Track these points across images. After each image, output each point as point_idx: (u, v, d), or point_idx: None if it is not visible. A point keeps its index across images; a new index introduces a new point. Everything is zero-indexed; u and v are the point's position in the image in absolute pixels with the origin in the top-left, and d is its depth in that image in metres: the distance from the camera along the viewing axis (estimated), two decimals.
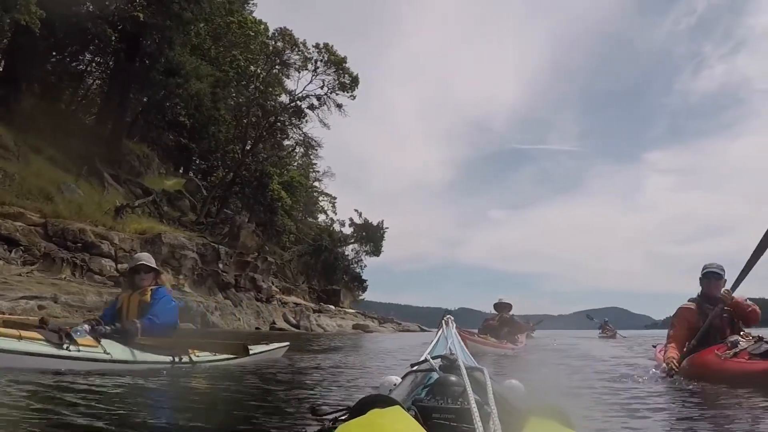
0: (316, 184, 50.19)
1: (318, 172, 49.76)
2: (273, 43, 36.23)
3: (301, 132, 40.61)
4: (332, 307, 37.68)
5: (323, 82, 38.09)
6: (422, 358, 2.76)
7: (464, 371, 1.94)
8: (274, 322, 25.41)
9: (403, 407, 1.56)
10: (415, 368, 2.61)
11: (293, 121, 39.59)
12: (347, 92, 38.26)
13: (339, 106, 38.74)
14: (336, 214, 51.41)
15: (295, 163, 47.35)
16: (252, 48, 34.17)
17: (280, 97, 38.07)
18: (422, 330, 45.62)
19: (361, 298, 54.42)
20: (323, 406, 1.92)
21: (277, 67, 36.78)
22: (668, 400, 4.22)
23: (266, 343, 8.11)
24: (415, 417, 1.70)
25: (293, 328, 26.08)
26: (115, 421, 2.91)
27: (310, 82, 38.07)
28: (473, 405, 1.48)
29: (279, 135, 40.35)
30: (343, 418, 1.77)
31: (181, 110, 32.97)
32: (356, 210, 49.62)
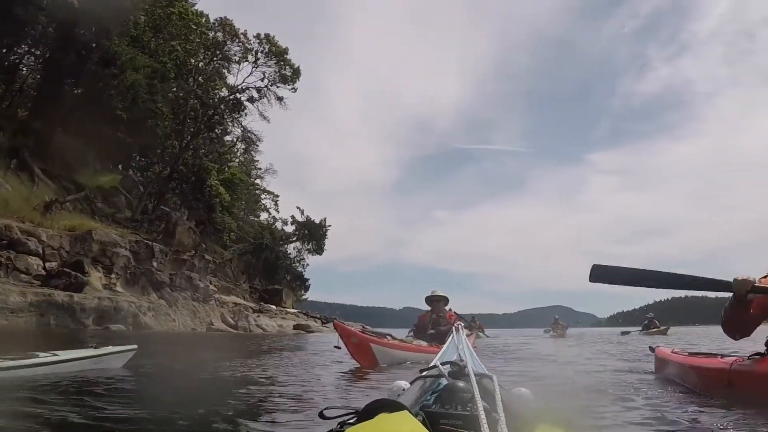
0: (258, 181, 49.18)
1: (260, 169, 48.82)
2: (213, 33, 35.24)
3: (240, 126, 39.67)
4: (273, 307, 37.05)
5: (264, 74, 37.35)
6: (432, 364, 2.79)
7: (473, 378, 1.97)
8: (211, 323, 24.80)
9: (411, 412, 1.56)
10: (424, 374, 2.61)
11: (232, 115, 38.63)
12: (288, 84, 37.58)
13: (280, 99, 38.05)
14: (278, 212, 50.40)
15: (237, 160, 46.33)
16: (191, 39, 33.11)
17: (221, 91, 37.16)
18: (365, 329, 45.54)
19: (304, 297, 53.72)
20: (331, 408, 1.89)
21: (217, 60, 35.89)
22: (671, 405, 4.08)
23: (93, 346, 6.55)
24: (423, 423, 1.67)
25: (231, 329, 25.52)
26: None
27: (250, 74, 37.28)
28: (481, 412, 1.49)
29: (218, 129, 39.19)
30: (351, 421, 1.76)
31: (118, 103, 31.81)
32: (298, 207, 48.78)
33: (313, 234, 45.35)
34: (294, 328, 30.60)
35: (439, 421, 1.82)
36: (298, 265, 48.07)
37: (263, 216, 51.37)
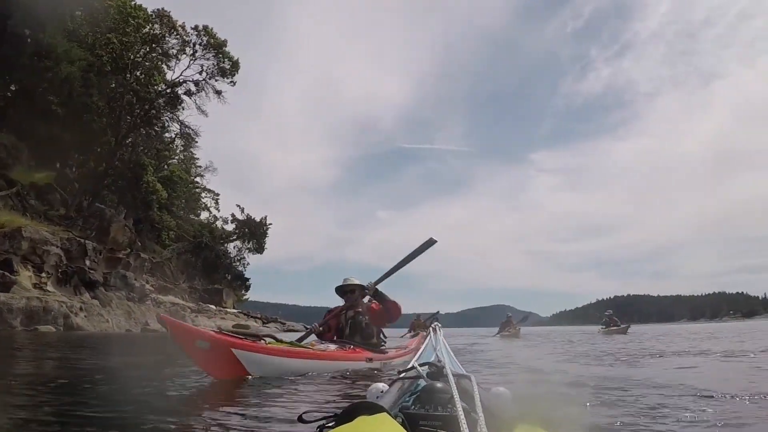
0: (198, 179, 48.32)
1: (200, 167, 47.98)
2: (150, 27, 34.22)
3: (177, 120, 38.70)
4: (213, 307, 36.59)
5: (202, 67, 36.62)
6: (410, 365, 2.72)
7: (451, 378, 1.96)
8: (147, 324, 24.32)
9: (390, 414, 1.56)
10: (402, 375, 2.57)
11: (169, 109, 37.64)
12: (227, 78, 36.93)
13: (218, 92, 37.40)
14: (219, 211, 49.72)
15: (176, 158, 45.43)
16: (128, 31, 32.23)
17: (158, 85, 36.09)
18: (306, 329, 45.31)
19: (245, 297, 53.14)
20: (310, 412, 1.90)
21: (156, 55, 35.12)
22: (650, 405, 3.96)
23: None
24: (402, 424, 1.69)
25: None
26: None
27: (188, 66, 36.51)
28: (460, 412, 1.49)
29: (157, 125, 38.28)
30: (330, 425, 1.75)
31: (53, 98, 30.86)
32: (238, 206, 48.16)
33: (253, 233, 44.85)
34: (233, 328, 30.29)
35: (419, 422, 1.84)
36: (238, 264, 47.50)
37: (204, 215, 50.66)
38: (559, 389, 5.08)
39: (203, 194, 49.55)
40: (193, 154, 46.62)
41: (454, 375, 2.08)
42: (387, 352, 7.89)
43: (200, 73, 36.50)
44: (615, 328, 27.85)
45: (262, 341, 5.90)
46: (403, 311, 18.01)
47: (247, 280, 49.57)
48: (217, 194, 49.37)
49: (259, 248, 45.57)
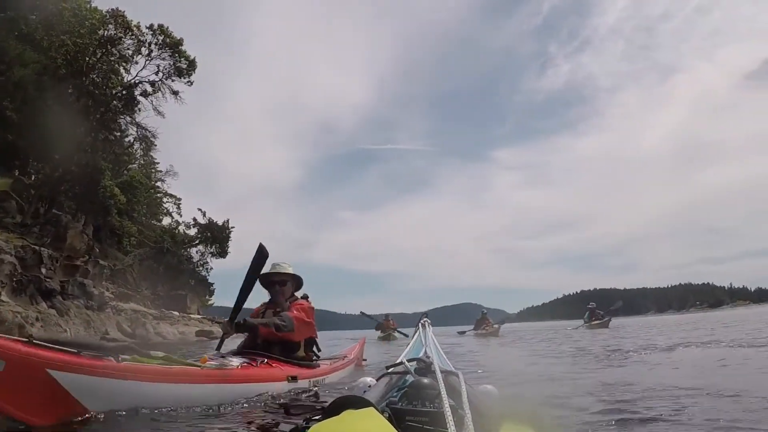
0: (159, 184, 47.42)
1: (160, 171, 47.09)
2: (104, 31, 33.21)
3: (135, 123, 37.85)
4: (176, 313, 36.00)
5: (158, 68, 35.68)
6: (398, 361, 2.85)
7: (439, 375, 2.00)
8: (107, 332, 23.77)
9: (377, 409, 1.58)
10: (390, 370, 2.65)
11: (126, 112, 36.66)
12: (184, 77, 36.02)
13: (175, 93, 36.47)
14: (181, 215, 48.52)
15: (136, 163, 44.54)
16: (83, 33, 31.36)
17: (114, 88, 35.24)
18: None
19: (210, 303, 52.54)
20: (296, 405, 1.96)
21: (114, 58, 34.34)
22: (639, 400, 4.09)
23: None
24: (389, 419, 1.69)
25: (128, 338, 24.63)
26: None
27: (143, 67, 35.55)
28: (447, 408, 1.50)
29: (114, 129, 37.38)
30: (316, 418, 1.75)
31: (7, 104, 30.03)
32: (200, 209, 46.95)
33: (215, 236, 44.13)
34: (196, 335, 29.82)
35: (405, 417, 1.87)
36: (201, 269, 46.87)
37: (166, 220, 49.72)
38: (546, 387, 5.24)
39: (165, 199, 48.69)
40: (153, 158, 45.74)
41: (441, 371, 2.10)
42: (317, 367, 5.87)
43: (156, 73, 35.68)
44: (597, 321, 26.19)
45: (110, 358, 3.51)
46: (371, 312, 17.42)
47: (211, 284, 49.10)
48: (179, 199, 48.46)
49: (222, 252, 44.79)
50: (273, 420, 3.12)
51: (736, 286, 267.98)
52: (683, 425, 3.07)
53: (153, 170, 46.88)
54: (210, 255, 45.62)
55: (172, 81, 36.02)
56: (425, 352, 3.46)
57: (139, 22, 34.20)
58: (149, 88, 35.86)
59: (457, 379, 2.11)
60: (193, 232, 46.09)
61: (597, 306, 28.63)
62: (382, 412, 1.66)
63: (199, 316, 39.37)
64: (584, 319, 27.82)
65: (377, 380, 2.54)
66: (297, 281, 6.04)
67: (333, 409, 1.60)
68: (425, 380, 2.20)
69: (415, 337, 4.56)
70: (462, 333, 26.57)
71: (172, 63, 35.32)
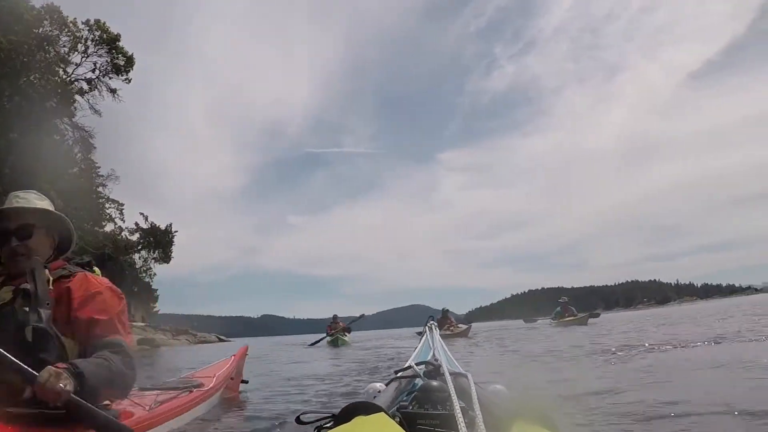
0: (101, 189, 45.56)
1: (102, 176, 45.18)
2: (41, 29, 31.91)
3: (71, 122, 36.37)
4: None
5: (95, 65, 34.63)
6: (407, 365, 2.82)
7: (448, 377, 2.01)
8: None
9: (387, 414, 1.57)
10: (399, 375, 2.63)
11: (61, 111, 35.01)
12: (121, 75, 35.06)
13: (113, 91, 35.52)
14: (124, 221, 45.89)
15: (76, 167, 42.74)
16: (17, 30, 30.06)
17: (50, 86, 33.61)
18: (220, 340, 44.06)
19: (156, 310, 51.20)
20: (307, 413, 1.88)
21: (50, 57, 32.87)
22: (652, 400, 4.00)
23: None
24: (400, 424, 1.68)
25: None
26: None
27: (80, 64, 34.46)
28: (458, 411, 1.49)
29: (47, 127, 35.73)
30: (328, 425, 1.77)
31: None
32: (142, 213, 45.25)
33: (158, 241, 42.61)
34: (138, 344, 28.77)
35: (417, 421, 1.87)
36: (145, 275, 45.16)
37: (110, 227, 47.78)
38: (555, 387, 5.21)
39: (107, 204, 46.88)
40: (93, 162, 44.01)
41: (450, 373, 2.13)
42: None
43: (93, 71, 34.50)
44: (571, 318, 23.73)
45: None
46: (321, 316, 16.51)
47: (155, 291, 47.57)
48: (122, 204, 46.35)
49: (166, 257, 43.22)
50: (283, 427, 3.46)
51: (682, 283, 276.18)
52: (703, 418, 3.09)
53: (94, 174, 45.09)
54: (153, 260, 43.97)
55: (110, 78, 34.89)
56: (433, 355, 3.49)
57: (75, 18, 33.02)
58: (86, 86, 34.60)
59: (467, 380, 2.10)
60: (135, 237, 44.46)
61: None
62: (393, 417, 1.67)
63: (142, 324, 38.06)
64: (553, 315, 25.42)
65: (387, 385, 2.55)
66: (57, 229, 2.73)
67: (343, 416, 1.58)
68: (435, 383, 2.22)
69: (423, 340, 4.58)
70: (421, 334, 22.11)
71: (109, 60, 34.15)
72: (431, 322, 5.02)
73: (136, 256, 43.96)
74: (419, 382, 2.43)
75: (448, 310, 23.17)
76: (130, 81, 35.32)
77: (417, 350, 4.32)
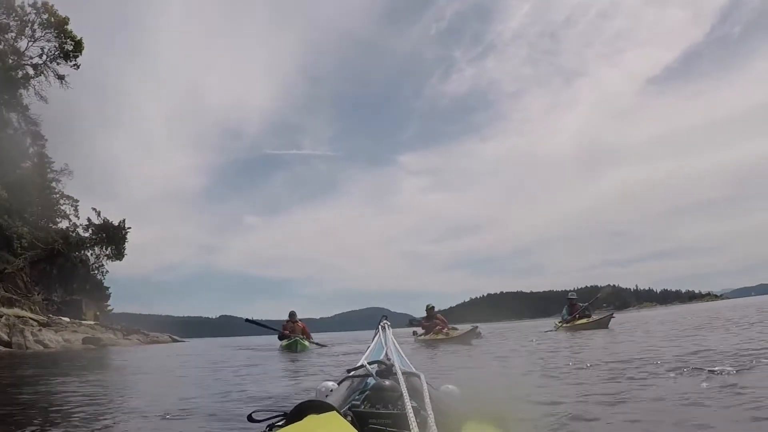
0: (54, 184, 44.40)
1: (56, 171, 43.99)
2: None
3: (18, 109, 35.09)
4: (66, 319, 33.93)
5: (42, 50, 33.48)
6: (359, 364, 2.79)
7: (401, 376, 1.97)
8: None
9: (339, 413, 1.56)
10: (351, 374, 2.62)
11: (4, 97, 33.92)
12: (70, 60, 33.98)
13: (61, 77, 34.36)
14: (79, 218, 44.36)
15: (28, 162, 41.49)
16: None
17: None
18: (174, 341, 43.24)
19: (109, 308, 50.05)
20: (259, 411, 1.87)
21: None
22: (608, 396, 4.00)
23: None
24: (352, 422, 1.68)
25: (3, 347, 22.84)
26: None
27: (27, 48, 33.29)
28: (410, 410, 1.48)
29: None
30: (279, 424, 1.78)
31: None
32: (94, 209, 43.31)
33: (111, 237, 41.45)
34: (84, 342, 28.02)
35: (368, 420, 1.85)
36: (97, 272, 44.01)
37: (64, 224, 46.38)
38: (508, 386, 4.96)
39: (62, 201, 45.67)
40: (47, 156, 42.90)
41: (403, 373, 2.08)
42: None
43: (40, 56, 33.39)
44: (586, 320, 18.66)
45: None
46: (278, 317, 14.80)
47: (107, 289, 46.44)
48: (77, 201, 45.19)
49: (119, 254, 42.02)
50: (234, 426, 3.40)
51: (641, 288, 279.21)
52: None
53: (48, 169, 43.97)
54: (106, 257, 42.80)
55: (57, 64, 33.80)
56: (386, 354, 3.38)
57: (23, 1, 31.96)
58: (31, 71, 33.44)
59: (419, 380, 2.07)
60: (87, 233, 43.24)
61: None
62: (344, 416, 1.66)
63: (92, 323, 37.13)
64: (562, 317, 20.55)
65: (338, 384, 2.56)
66: None
67: (295, 415, 1.58)
68: (387, 382, 2.19)
69: (375, 339, 4.47)
70: (416, 333, 18.04)
71: (57, 44, 33.03)
72: (384, 321, 4.91)
73: (89, 252, 42.87)
74: (371, 381, 2.39)
75: (433, 307, 18.23)
76: (78, 67, 34.35)
77: (369, 349, 4.23)
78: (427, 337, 16.70)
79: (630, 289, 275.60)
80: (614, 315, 20.01)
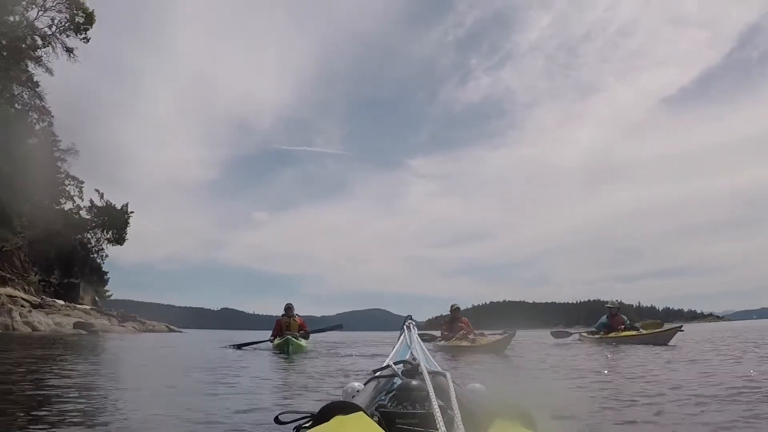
0: (60, 164, 43.13)
1: (62, 150, 42.58)
2: None
3: (24, 77, 33.96)
4: (60, 302, 32.95)
5: (52, 20, 32.39)
6: (384, 364, 2.87)
7: (427, 376, 2.01)
8: None
9: (366, 413, 1.59)
10: (377, 374, 2.61)
11: (11, 67, 32.65)
12: (80, 33, 32.98)
13: (69, 50, 33.34)
14: (83, 200, 43.89)
15: (35, 138, 40.35)
16: None
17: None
18: (170, 330, 42.16)
19: (109, 294, 49.01)
20: (286, 413, 1.86)
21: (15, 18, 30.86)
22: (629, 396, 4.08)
23: None
24: (379, 423, 1.69)
25: None
26: None
27: (36, 18, 32.18)
28: (436, 409, 1.49)
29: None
30: (306, 425, 1.77)
31: None
32: (97, 190, 42.91)
33: (113, 221, 40.35)
34: (75, 327, 26.87)
35: (395, 420, 1.88)
36: (96, 256, 42.89)
37: (68, 205, 45.23)
38: (535, 384, 5.16)
39: (66, 181, 44.57)
40: (54, 135, 41.77)
41: (429, 372, 2.14)
42: None
43: (50, 26, 32.34)
44: (635, 333, 15.67)
45: None
46: (280, 313, 13.44)
47: (106, 274, 45.20)
48: (82, 182, 43.83)
49: (120, 239, 41.02)
50: (261, 429, 3.23)
51: (644, 305, 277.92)
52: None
53: (55, 148, 42.82)
54: (106, 241, 41.72)
55: (67, 36, 32.78)
56: (411, 354, 3.54)
57: None
58: (39, 42, 32.37)
59: (445, 379, 2.07)
60: (89, 216, 42.12)
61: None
62: (371, 416, 1.67)
63: (88, 307, 36.08)
64: (596, 327, 17.42)
65: (365, 384, 2.50)
66: None
67: (322, 416, 1.60)
68: (413, 382, 2.14)
69: (401, 339, 4.55)
70: (428, 340, 14.12)
71: (68, 16, 32.01)
72: (409, 321, 5.01)
73: (89, 235, 41.79)
74: (398, 381, 2.38)
75: (458, 308, 14.96)
76: (88, 40, 33.37)
77: (395, 349, 4.30)
78: (448, 343, 13.44)
79: (633, 305, 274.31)
80: (683, 328, 16.34)
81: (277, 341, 13.58)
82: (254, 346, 14.73)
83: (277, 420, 1.84)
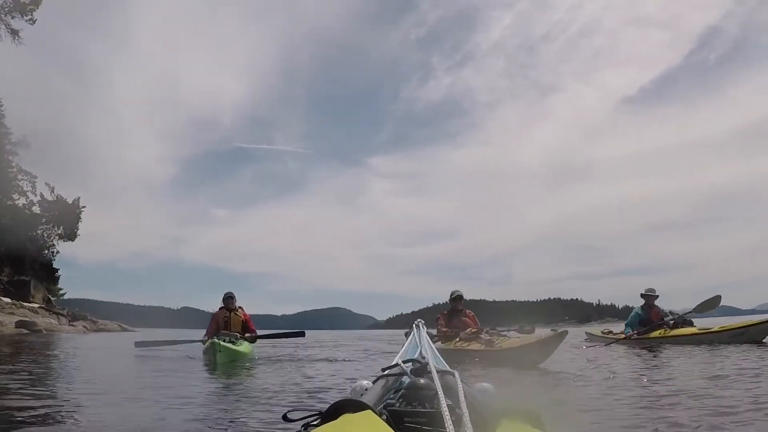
0: (11, 158, 41.57)
1: (13, 143, 41.08)
2: None
3: None
4: (7, 300, 31.86)
5: None
6: (393, 362, 2.85)
7: (435, 375, 1.99)
8: None
9: (374, 412, 1.57)
10: (386, 372, 2.62)
11: None
12: (26, 15, 31.77)
13: (15, 32, 32.16)
14: (36, 195, 42.34)
15: None
16: None
17: None
18: (124, 330, 41.22)
19: (62, 293, 47.59)
20: (294, 411, 1.86)
21: None
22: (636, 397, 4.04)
23: None
24: (387, 421, 1.69)
25: None
26: None
27: None
28: (445, 408, 1.48)
29: None
30: (314, 423, 1.77)
31: None
32: (47, 184, 41.46)
33: (63, 216, 39.02)
34: (16, 326, 25.82)
35: (403, 419, 1.86)
36: (46, 252, 41.45)
37: (22, 201, 43.64)
38: (544, 384, 5.13)
39: (19, 176, 43.00)
40: (6, 127, 40.19)
41: (437, 371, 2.12)
42: None
43: None
44: (712, 330, 11.46)
45: None
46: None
47: (56, 271, 43.74)
48: (35, 177, 42.12)
49: (71, 234, 39.75)
50: (270, 426, 3.23)
51: (604, 303, 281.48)
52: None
53: (6, 141, 41.27)
54: (57, 237, 40.38)
55: (12, 18, 31.67)
56: (420, 353, 3.54)
57: None
58: None
59: (454, 378, 2.05)
60: (39, 210, 40.70)
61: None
62: (380, 415, 1.65)
63: (36, 306, 34.98)
64: (629, 323, 13.46)
65: (373, 383, 2.50)
66: None
67: (330, 414, 1.58)
68: (422, 381, 2.17)
69: (410, 338, 4.61)
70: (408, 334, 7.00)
71: None
72: (419, 320, 5.04)
73: (39, 230, 40.39)
74: (406, 379, 2.34)
75: (461, 296, 10.73)
76: (34, 22, 32.20)
77: (404, 348, 4.38)
78: (449, 345, 9.71)
79: (592, 303, 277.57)
80: None
81: (208, 343, 9.92)
82: (174, 346, 11.85)
83: (285, 417, 1.86)
